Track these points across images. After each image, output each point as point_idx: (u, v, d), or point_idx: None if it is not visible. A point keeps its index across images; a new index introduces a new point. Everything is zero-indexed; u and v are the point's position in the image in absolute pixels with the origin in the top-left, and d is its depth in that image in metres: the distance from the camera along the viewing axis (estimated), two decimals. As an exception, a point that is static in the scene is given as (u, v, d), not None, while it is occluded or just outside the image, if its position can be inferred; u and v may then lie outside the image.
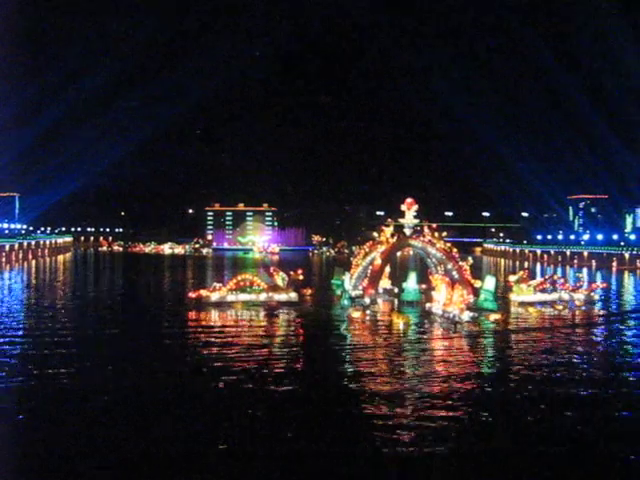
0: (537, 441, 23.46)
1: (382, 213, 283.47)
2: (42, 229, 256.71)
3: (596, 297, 68.80)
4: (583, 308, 62.41)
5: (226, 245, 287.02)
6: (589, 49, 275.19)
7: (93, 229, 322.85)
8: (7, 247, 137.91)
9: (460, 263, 63.01)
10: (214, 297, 59.66)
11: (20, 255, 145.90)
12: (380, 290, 65.32)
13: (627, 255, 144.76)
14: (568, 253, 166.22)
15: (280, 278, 63.37)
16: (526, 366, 35.53)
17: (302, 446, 22.62)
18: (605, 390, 30.89)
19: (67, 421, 25.16)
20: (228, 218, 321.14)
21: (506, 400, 28.79)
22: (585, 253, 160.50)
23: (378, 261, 63.33)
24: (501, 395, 29.62)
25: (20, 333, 44.69)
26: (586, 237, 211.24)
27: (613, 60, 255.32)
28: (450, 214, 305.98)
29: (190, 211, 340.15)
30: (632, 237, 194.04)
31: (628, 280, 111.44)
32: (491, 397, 29.29)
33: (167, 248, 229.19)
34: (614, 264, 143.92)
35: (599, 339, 47.72)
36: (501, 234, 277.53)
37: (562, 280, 71.05)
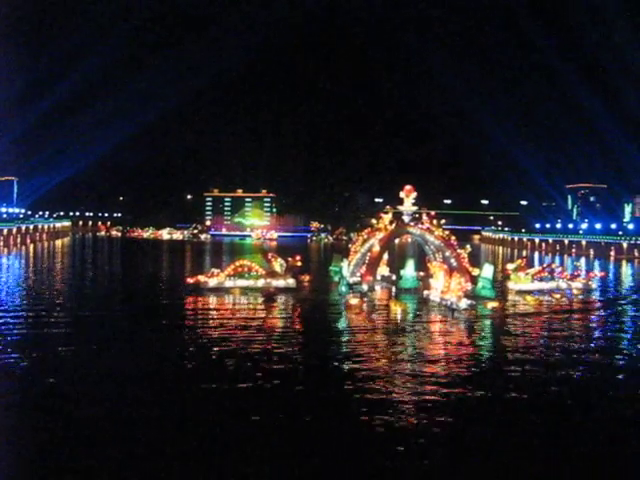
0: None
1: (381, 200, 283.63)
2: (40, 213, 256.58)
3: (594, 286, 68.97)
4: (580, 296, 62.53)
5: (224, 231, 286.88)
6: (589, 37, 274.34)
7: (91, 214, 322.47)
8: (5, 231, 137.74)
9: (458, 251, 63.07)
10: (212, 283, 59.67)
11: (18, 239, 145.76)
12: (378, 277, 65.38)
13: (625, 244, 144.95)
14: (566, 242, 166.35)
15: (278, 264, 63.39)
16: (521, 349, 35.63)
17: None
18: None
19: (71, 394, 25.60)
20: (227, 204, 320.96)
21: (499, 382, 28.84)
22: (583, 242, 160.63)
23: (376, 248, 63.35)
24: (495, 376, 29.68)
25: (21, 314, 44.65)
26: (584, 226, 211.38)
27: (613, 49, 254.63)
28: (449, 202, 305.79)
29: (189, 197, 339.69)
30: (630, 226, 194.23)
31: (626, 269, 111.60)
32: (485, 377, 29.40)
33: (165, 233, 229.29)
34: (612, 253, 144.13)
35: (593, 325, 47.80)
36: (499, 222, 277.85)
37: (560, 269, 71.17)
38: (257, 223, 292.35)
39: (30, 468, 19.50)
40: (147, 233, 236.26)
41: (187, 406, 25.07)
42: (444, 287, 53.11)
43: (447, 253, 62.35)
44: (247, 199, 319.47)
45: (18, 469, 19.41)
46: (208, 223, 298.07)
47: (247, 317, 46.80)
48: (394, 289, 63.25)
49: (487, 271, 59.52)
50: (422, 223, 65.54)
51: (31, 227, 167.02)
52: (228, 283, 60.21)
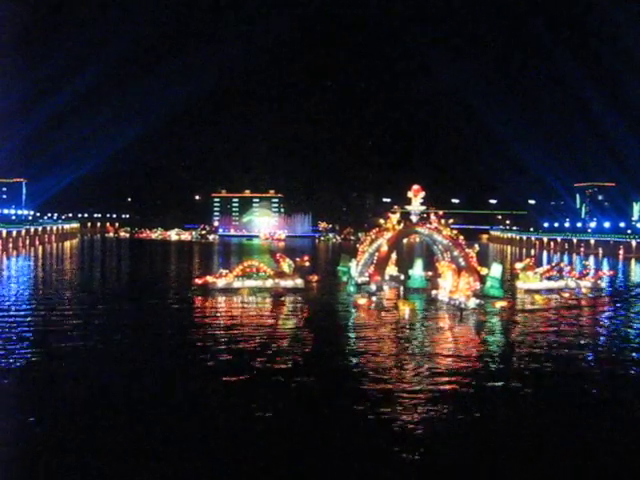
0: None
1: (389, 200, 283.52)
2: (49, 215, 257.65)
3: (603, 284, 68.72)
4: (589, 295, 62.36)
5: (232, 232, 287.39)
6: (596, 35, 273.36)
7: (100, 215, 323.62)
8: (14, 233, 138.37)
9: (466, 250, 62.95)
10: (220, 283, 59.79)
11: (27, 241, 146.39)
12: (386, 277, 65.31)
13: (634, 243, 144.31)
14: (575, 241, 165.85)
15: (286, 264, 63.44)
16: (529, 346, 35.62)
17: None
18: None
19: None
20: (234, 204, 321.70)
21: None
22: (592, 241, 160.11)
23: (384, 248, 63.32)
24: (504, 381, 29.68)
25: (31, 312, 44.92)
26: (593, 225, 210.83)
27: (621, 47, 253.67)
28: (457, 201, 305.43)
29: (197, 197, 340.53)
30: (639, 225, 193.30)
31: (635, 267, 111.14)
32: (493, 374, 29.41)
33: (174, 234, 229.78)
34: (621, 252, 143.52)
35: (603, 323, 47.66)
36: (508, 221, 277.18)
37: (569, 268, 70.94)
38: (265, 223, 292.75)
39: (33, 467, 19.63)
40: (155, 234, 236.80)
41: (196, 399, 25.23)
42: (452, 287, 53.01)
43: (455, 253, 62.25)
44: (255, 199, 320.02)
45: (22, 468, 19.54)
46: (216, 224, 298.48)
47: (256, 316, 46.87)
48: (402, 289, 63.18)
49: (496, 270, 59.43)
50: (430, 223, 65.43)
51: (40, 229, 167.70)
52: (236, 283, 60.30)
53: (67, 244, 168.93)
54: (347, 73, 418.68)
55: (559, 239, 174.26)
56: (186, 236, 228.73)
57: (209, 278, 60.88)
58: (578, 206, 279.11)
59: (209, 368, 30.78)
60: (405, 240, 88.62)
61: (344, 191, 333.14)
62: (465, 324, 45.11)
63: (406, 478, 19.35)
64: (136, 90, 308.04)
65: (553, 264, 73.73)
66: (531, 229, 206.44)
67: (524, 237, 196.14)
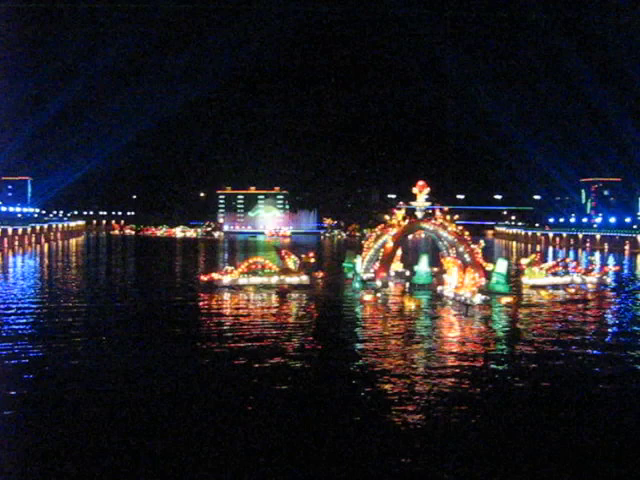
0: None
1: (394, 196, 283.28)
2: (55, 212, 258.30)
3: (608, 280, 68.57)
4: (595, 290, 62.19)
5: (237, 228, 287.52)
6: (603, 30, 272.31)
7: (105, 213, 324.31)
8: (20, 231, 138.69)
9: (472, 246, 62.91)
10: (226, 280, 59.87)
11: (33, 239, 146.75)
12: (392, 273, 65.35)
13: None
14: (580, 236, 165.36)
15: (292, 261, 63.41)
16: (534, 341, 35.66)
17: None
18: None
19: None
20: (239, 201, 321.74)
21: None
22: (597, 236, 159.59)
23: (390, 244, 63.36)
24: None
25: (40, 309, 45.11)
26: (599, 220, 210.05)
27: (627, 41, 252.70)
28: (462, 197, 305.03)
29: (202, 194, 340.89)
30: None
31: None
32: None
33: (179, 231, 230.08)
34: (627, 247, 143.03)
35: (608, 319, 47.61)
36: (513, 217, 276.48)
37: (574, 263, 70.77)
38: (270, 220, 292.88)
39: (35, 463, 19.73)
40: (160, 231, 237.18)
41: (201, 397, 25.34)
42: (458, 282, 53.01)
43: (460, 248, 62.25)
44: (260, 196, 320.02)
45: (25, 465, 19.62)
46: (221, 221, 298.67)
47: (261, 313, 46.91)
48: (408, 285, 63.12)
49: (501, 266, 59.31)
50: (435, 219, 65.44)
51: (45, 227, 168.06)
52: (242, 280, 60.33)
53: (73, 241, 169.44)
54: (352, 70, 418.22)
55: (564, 235, 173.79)
56: (191, 233, 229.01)
57: (214, 275, 60.98)
58: (584, 201, 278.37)
59: (214, 360, 30.86)
60: (410, 236, 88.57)
61: (349, 187, 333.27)
62: (470, 319, 45.16)
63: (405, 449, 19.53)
64: (141, 87, 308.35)
65: (559, 260, 73.45)
66: (537, 225, 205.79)
67: (529, 233, 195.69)
